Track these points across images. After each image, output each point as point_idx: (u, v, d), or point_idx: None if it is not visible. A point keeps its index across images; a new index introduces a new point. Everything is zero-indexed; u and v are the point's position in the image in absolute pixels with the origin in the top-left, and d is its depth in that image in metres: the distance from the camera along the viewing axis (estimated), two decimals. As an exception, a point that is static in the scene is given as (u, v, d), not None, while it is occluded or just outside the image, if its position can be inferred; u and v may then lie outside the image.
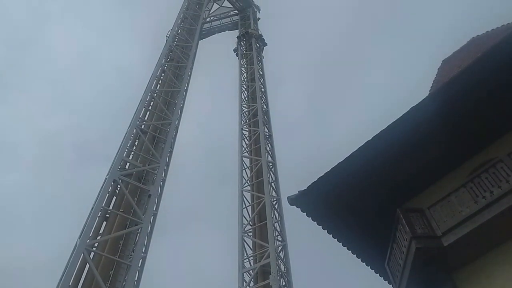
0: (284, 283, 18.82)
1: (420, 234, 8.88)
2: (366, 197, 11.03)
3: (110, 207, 16.61)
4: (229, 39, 37.85)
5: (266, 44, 35.76)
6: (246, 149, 25.92)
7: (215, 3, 39.03)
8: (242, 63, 33.10)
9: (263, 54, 34.80)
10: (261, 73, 32.17)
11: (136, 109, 21.02)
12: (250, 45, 33.94)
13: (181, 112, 24.59)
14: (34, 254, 45.82)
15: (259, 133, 25.67)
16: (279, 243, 20.57)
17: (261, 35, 35.77)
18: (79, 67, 68.69)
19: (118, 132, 19.95)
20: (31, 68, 64.21)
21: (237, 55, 34.95)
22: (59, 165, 58.14)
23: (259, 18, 38.82)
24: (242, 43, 34.93)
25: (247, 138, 26.69)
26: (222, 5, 39.40)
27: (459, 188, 9.08)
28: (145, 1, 72.90)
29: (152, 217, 17.99)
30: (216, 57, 43.30)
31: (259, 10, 39.81)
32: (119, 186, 17.10)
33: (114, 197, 17.15)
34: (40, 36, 66.59)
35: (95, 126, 63.86)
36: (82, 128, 62.54)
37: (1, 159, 55.05)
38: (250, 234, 20.97)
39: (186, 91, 26.20)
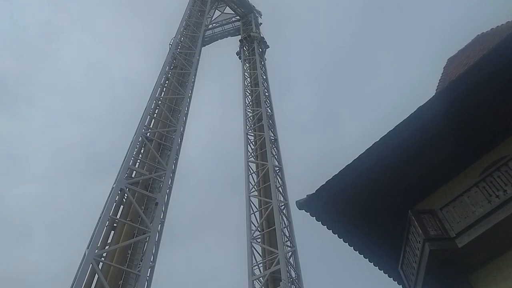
0: (295, 289, 18.58)
1: (433, 236, 8.67)
2: (376, 200, 10.85)
3: (118, 216, 16.57)
4: (231, 44, 38.07)
5: (268, 47, 36.28)
6: (252, 154, 25.78)
7: (217, 10, 39.37)
8: (245, 67, 33.36)
9: (265, 57, 35.19)
10: (264, 77, 32.15)
11: (141, 117, 21.05)
12: (253, 49, 34.20)
13: (186, 119, 24.60)
14: (46, 265, 45.99)
15: (264, 138, 25.54)
16: (289, 248, 20.32)
17: (263, 38, 36.31)
18: (89, 79, 69.29)
19: (128, 142, 19.88)
20: (42, 80, 64.81)
21: (240, 58, 35.42)
22: (70, 177, 58.46)
23: (261, 23, 39.20)
24: (244, 47, 35.37)
25: (253, 143, 26.54)
26: (224, 12, 39.73)
27: (471, 187, 8.87)
28: (151, 11, 73.52)
29: (160, 225, 17.90)
30: (220, 62, 43.53)
31: (260, 15, 40.11)
32: (126, 194, 17.06)
33: (122, 206, 17.12)
34: (50, 48, 67.32)
35: (106, 136, 64.26)
36: (93, 139, 62.95)
37: (14, 171, 55.49)
38: (259, 240, 20.75)
39: (190, 97, 26.23)
